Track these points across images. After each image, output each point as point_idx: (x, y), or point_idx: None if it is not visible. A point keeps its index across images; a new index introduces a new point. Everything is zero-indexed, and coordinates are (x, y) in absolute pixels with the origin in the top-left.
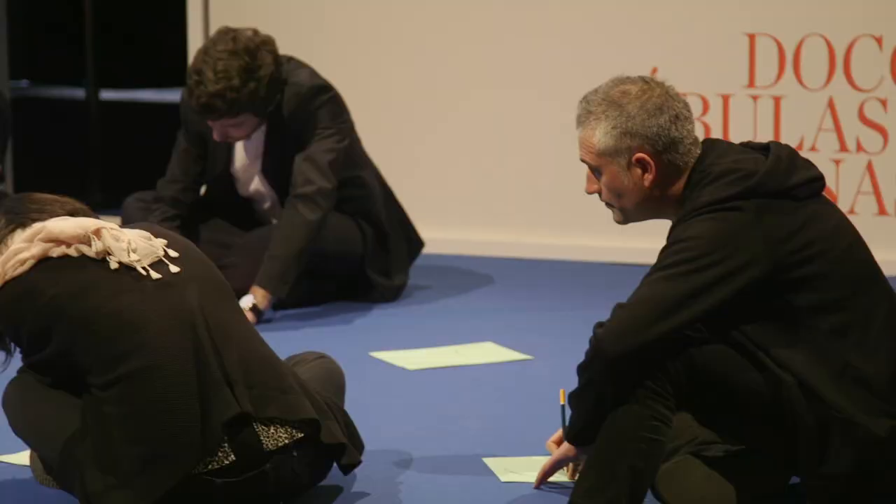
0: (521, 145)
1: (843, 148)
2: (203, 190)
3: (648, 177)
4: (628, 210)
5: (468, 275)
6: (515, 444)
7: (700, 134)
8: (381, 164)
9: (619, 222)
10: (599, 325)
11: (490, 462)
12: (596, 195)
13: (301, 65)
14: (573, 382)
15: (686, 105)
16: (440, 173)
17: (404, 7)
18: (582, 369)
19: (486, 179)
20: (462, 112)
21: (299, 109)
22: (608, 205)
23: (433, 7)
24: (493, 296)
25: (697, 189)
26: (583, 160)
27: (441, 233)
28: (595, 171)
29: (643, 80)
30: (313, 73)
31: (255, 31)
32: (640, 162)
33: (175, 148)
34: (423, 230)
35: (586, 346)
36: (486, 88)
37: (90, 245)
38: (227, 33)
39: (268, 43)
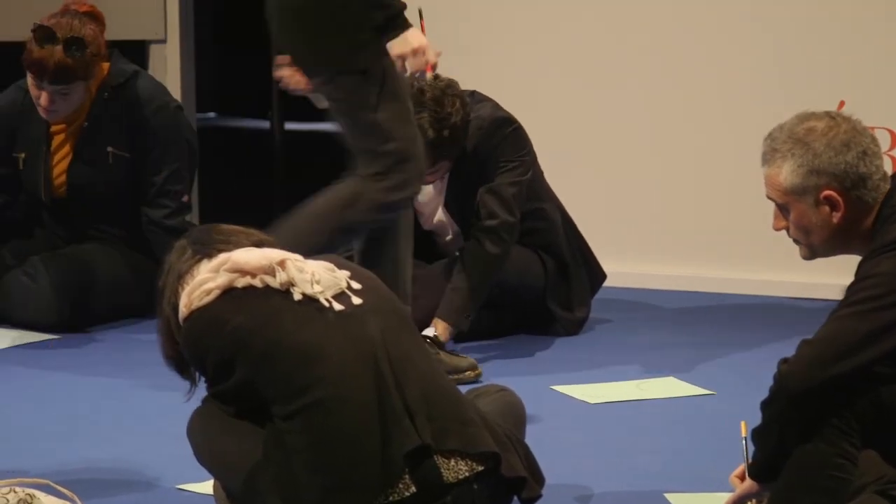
0: (704, 178)
1: None
2: None
3: (837, 214)
4: (816, 246)
5: (650, 308)
6: (697, 479)
7: (888, 168)
8: (563, 197)
9: (806, 258)
10: (784, 360)
11: (672, 498)
12: (783, 231)
13: (483, 98)
14: (756, 418)
15: (874, 140)
16: (623, 206)
17: (589, 40)
18: (766, 405)
19: (669, 213)
20: (645, 145)
21: (482, 143)
22: (796, 241)
23: (618, 40)
24: (675, 330)
25: (887, 224)
26: (770, 198)
27: (623, 266)
28: (782, 209)
29: (829, 115)
30: (496, 107)
31: (437, 76)
32: (829, 200)
33: None
34: (605, 263)
35: (770, 383)
36: (670, 123)
37: (275, 276)
38: (412, 85)
39: (451, 86)
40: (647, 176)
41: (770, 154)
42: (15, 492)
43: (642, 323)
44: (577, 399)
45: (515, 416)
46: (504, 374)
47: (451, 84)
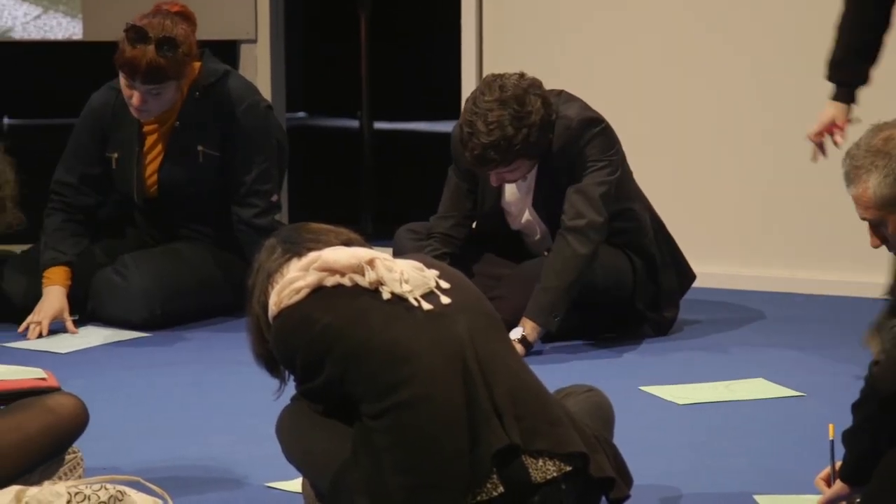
0: (794, 179)
1: None
2: (474, 224)
3: None
4: None
5: (739, 309)
6: (786, 481)
7: None
8: (652, 197)
9: None
10: (875, 362)
11: (761, 500)
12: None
13: (571, 98)
14: (847, 421)
15: None
16: (712, 206)
17: (676, 38)
18: (857, 407)
19: (758, 213)
20: (734, 146)
21: (570, 143)
22: None
23: (704, 38)
24: (765, 331)
25: None
26: (863, 218)
27: (712, 266)
28: (878, 227)
29: None
30: (583, 106)
31: (522, 75)
32: None
33: (447, 183)
34: (695, 264)
35: (861, 384)
36: (761, 123)
37: (364, 275)
38: (494, 81)
39: (535, 86)
40: (739, 175)
41: (853, 172)
42: (106, 488)
43: (731, 324)
44: (666, 400)
45: (604, 416)
46: (592, 374)
47: (535, 83)
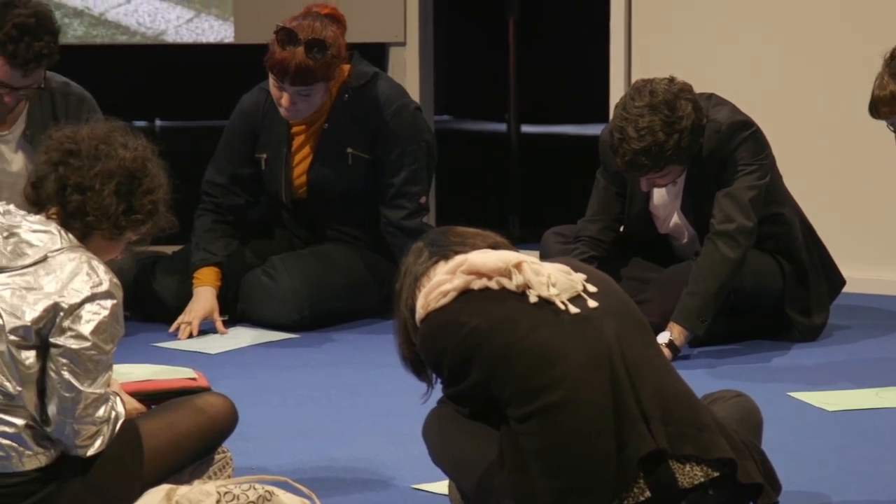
0: None
1: None
2: (622, 227)
3: None
4: None
5: (890, 315)
6: None
7: None
8: (801, 200)
9: None
10: None
11: None
12: None
13: (721, 101)
14: None
15: None
16: (863, 211)
17: (827, 47)
18: None
19: None
20: (884, 149)
21: (719, 147)
22: None
23: (854, 44)
24: None
25: None
26: None
27: (863, 272)
28: None
29: None
30: (734, 110)
31: (671, 79)
32: None
33: (595, 186)
34: (844, 269)
35: None
36: None
37: (511, 278)
38: (644, 87)
39: (685, 90)
40: (891, 179)
41: None
42: (255, 488)
43: (882, 330)
44: (815, 406)
45: (752, 422)
46: (740, 379)
47: (685, 87)
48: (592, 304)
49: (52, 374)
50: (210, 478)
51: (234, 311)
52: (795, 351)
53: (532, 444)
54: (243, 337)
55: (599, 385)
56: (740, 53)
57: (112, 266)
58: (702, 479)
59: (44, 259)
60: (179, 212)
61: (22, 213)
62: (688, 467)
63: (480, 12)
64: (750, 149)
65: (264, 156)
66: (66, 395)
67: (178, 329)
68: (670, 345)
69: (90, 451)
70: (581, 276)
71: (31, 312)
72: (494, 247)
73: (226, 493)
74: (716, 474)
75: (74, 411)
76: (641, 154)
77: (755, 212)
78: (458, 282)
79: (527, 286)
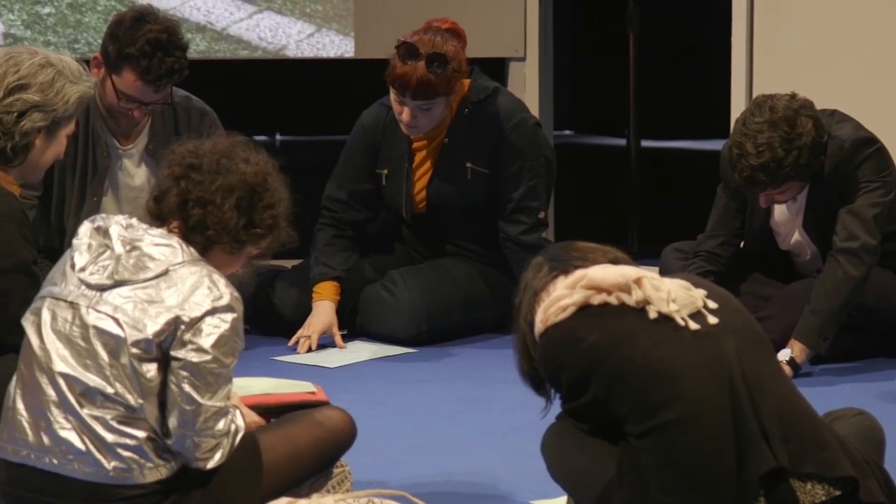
0: None
1: None
2: (741, 243)
3: None
4: None
5: None
6: None
7: None
8: None
9: None
10: None
11: None
12: None
13: (844, 118)
14: None
15: None
16: None
17: None
18: None
19: None
20: None
21: (842, 164)
22: None
23: None
24: None
25: None
26: None
27: None
28: None
29: None
30: (857, 126)
31: (793, 96)
32: None
33: (715, 202)
34: None
35: None
36: None
37: (630, 294)
38: (765, 102)
39: (806, 107)
40: None
41: None
42: (373, 502)
43: None
44: None
45: (874, 440)
46: (863, 397)
47: (806, 104)
48: (713, 320)
49: (173, 386)
50: (328, 491)
51: (352, 325)
52: None
53: (651, 460)
54: (362, 351)
55: (719, 402)
56: (864, 69)
57: (232, 280)
58: (823, 498)
59: (165, 272)
60: (299, 226)
61: (144, 226)
62: (809, 485)
63: (600, 27)
64: (874, 166)
65: (385, 171)
66: (187, 407)
67: (297, 343)
68: (791, 362)
69: (210, 464)
70: (701, 292)
71: (153, 325)
72: (614, 262)
73: None
74: (837, 493)
75: (195, 424)
76: (759, 170)
77: (879, 229)
78: (578, 297)
79: (647, 302)
